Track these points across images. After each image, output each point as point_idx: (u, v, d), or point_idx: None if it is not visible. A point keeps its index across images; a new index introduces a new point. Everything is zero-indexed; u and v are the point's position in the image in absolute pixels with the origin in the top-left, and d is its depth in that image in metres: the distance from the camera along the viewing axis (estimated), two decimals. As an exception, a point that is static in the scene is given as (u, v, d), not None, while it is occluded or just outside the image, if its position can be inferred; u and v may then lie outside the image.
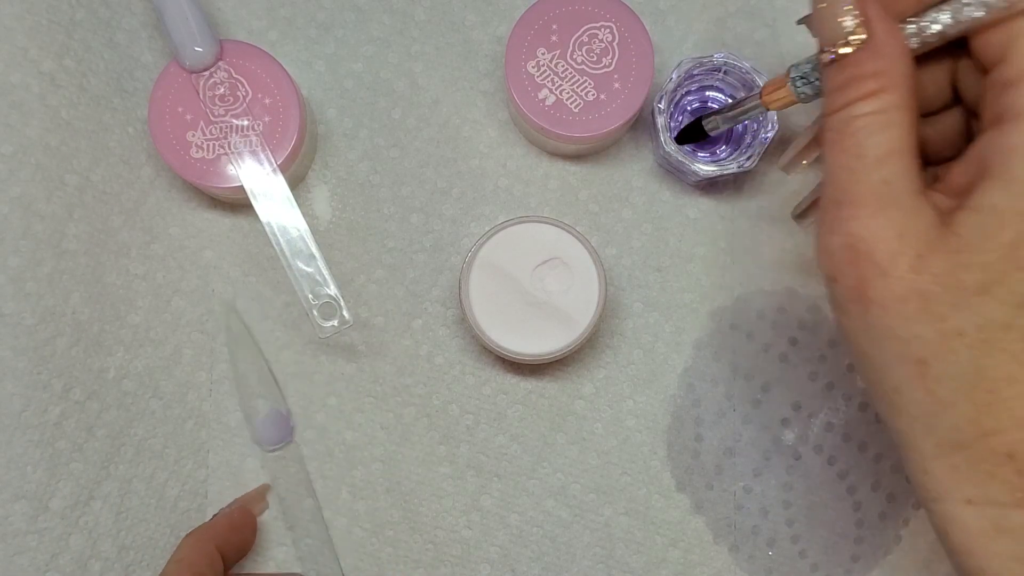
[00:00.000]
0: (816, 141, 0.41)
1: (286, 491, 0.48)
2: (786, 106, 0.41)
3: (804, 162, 0.42)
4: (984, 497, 0.32)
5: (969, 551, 0.32)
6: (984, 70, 0.34)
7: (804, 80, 0.39)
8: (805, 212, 0.44)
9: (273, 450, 0.48)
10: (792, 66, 0.39)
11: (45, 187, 0.46)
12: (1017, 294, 0.31)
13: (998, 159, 0.31)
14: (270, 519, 0.49)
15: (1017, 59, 0.32)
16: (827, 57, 0.34)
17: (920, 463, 0.33)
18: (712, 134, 0.46)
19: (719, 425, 0.49)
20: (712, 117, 0.45)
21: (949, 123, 0.38)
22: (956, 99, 0.38)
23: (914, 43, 0.35)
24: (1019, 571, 0.31)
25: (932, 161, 0.39)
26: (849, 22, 0.34)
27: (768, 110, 0.42)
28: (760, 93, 0.42)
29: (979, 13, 0.33)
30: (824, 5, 0.34)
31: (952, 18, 0.34)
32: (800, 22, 0.37)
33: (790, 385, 0.49)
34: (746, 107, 0.44)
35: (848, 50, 0.34)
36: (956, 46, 0.36)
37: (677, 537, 0.49)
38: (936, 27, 0.34)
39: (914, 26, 0.35)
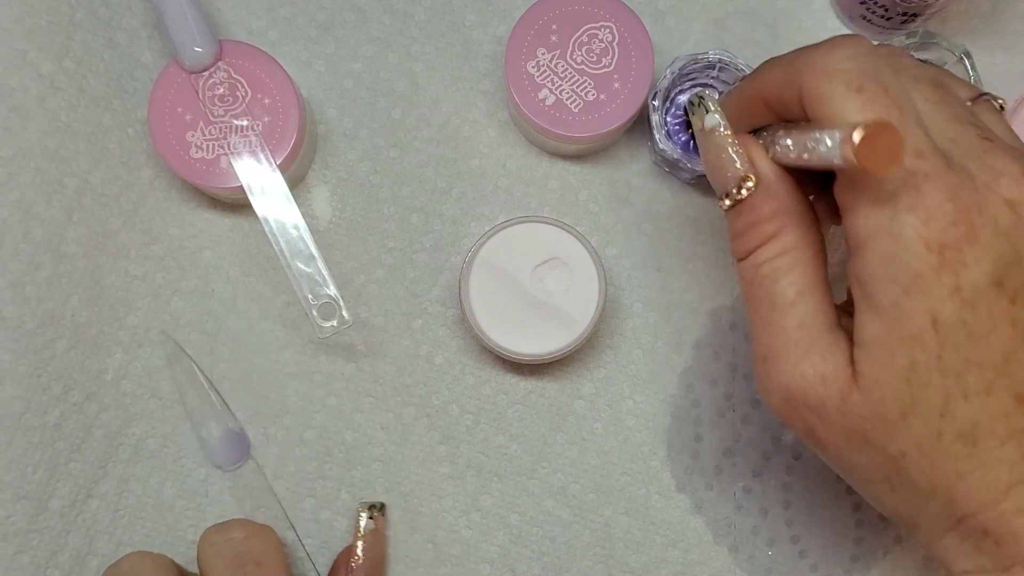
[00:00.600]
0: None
1: (251, 507, 0.48)
2: None
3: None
4: (977, 567, 0.34)
5: None
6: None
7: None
8: None
9: (234, 469, 0.48)
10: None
11: (44, 190, 0.46)
12: (936, 407, 0.32)
13: (863, 289, 0.33)
14: (268, 520, 0.49)
15: (840, 189, 0.33)
16: (727, 204, 0.36)
17: (923, 545, 0.36)
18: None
19: (719, 425, 0.49)
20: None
21: None
22: None
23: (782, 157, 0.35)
24: None
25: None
26: (739, 168, 0.35)
27: None
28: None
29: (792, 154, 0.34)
30: (711, 156, 0.36)
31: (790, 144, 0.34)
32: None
33: (790, 385, 0.49)
34: None
35: (743, 195, 0.35)
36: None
37: (677, 537, 0.49)
38: (781, 148, 0.35)
39: (764, 140, 0.35)
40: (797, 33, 0.51)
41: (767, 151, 0.35)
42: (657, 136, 0.47)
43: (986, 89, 0.47)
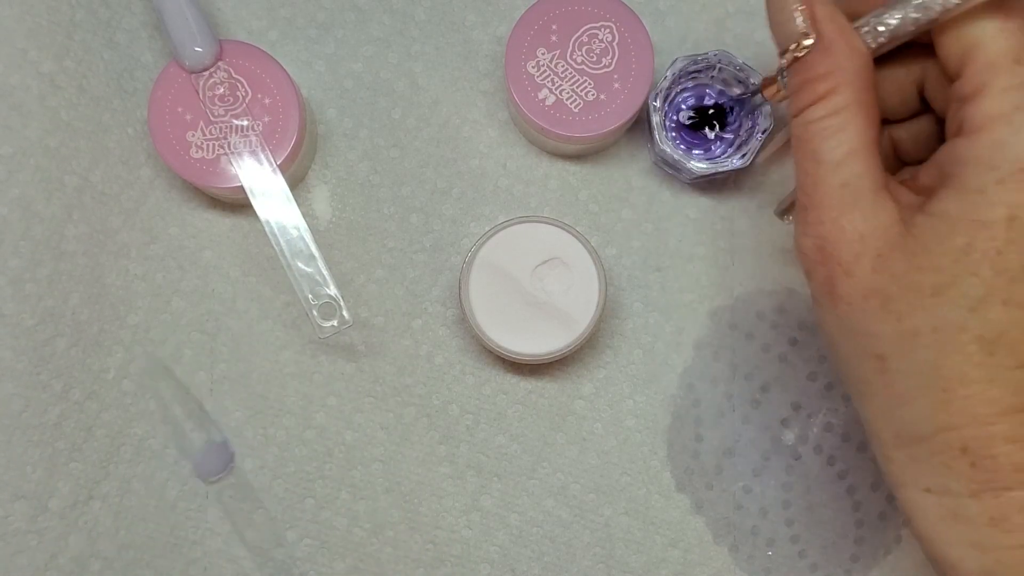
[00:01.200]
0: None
1: (237, 518, 0.48)
2: (783, 99, 0.41)
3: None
4: (941, 487, 0.33)
5: (930, 537, 0.34)
6: (950, 79, 0.35)
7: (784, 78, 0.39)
8: (788, 209, 0.44)
9: (217, 480, 0.48)
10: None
11: (44, 188, 0.46)
12: (969, 297, 0.32)
13: (955, 169, 0.33)
14: (268, 520, 0.49)
15: (972, 73, 0.33)
16: (784, 61, 0.35)
17: (883, 451, 0.35)
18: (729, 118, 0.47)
19: (719, 425, 0.49)
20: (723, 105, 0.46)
21: (922, 127, 0.39)
22: (926, 105, 0.39)
23: (871, 43, 0.35)
24: (976, 556, 0.33)
25: (908, 162, 0.40)
26: (798, 25, 0.35)
27: (769, 102, 0.42)
28: (760, 85, 0.42)
29: (919, 15, 0.34)
30: (774, 11, 0.35)
31: (899, 19, 0.35)
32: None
33: (790, 385, 0.49)
34: (754, 100, 0.44)
35: (800, 53, 0.35)
36: (923, 53, 0.37)
37: (677, 537, 0.49)
38: (885, 28, 0.35)
39: (867, 27, 0.35)
40: (797, 33, 0.51)
41: (863, 32, 0.35)
42: (657, 136, 0.47)
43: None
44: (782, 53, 0.35)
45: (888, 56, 0.36)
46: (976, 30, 0.33)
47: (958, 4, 0.33)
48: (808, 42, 0.34)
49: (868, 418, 0.35)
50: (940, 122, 0.39)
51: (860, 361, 0.34)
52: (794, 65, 0.35)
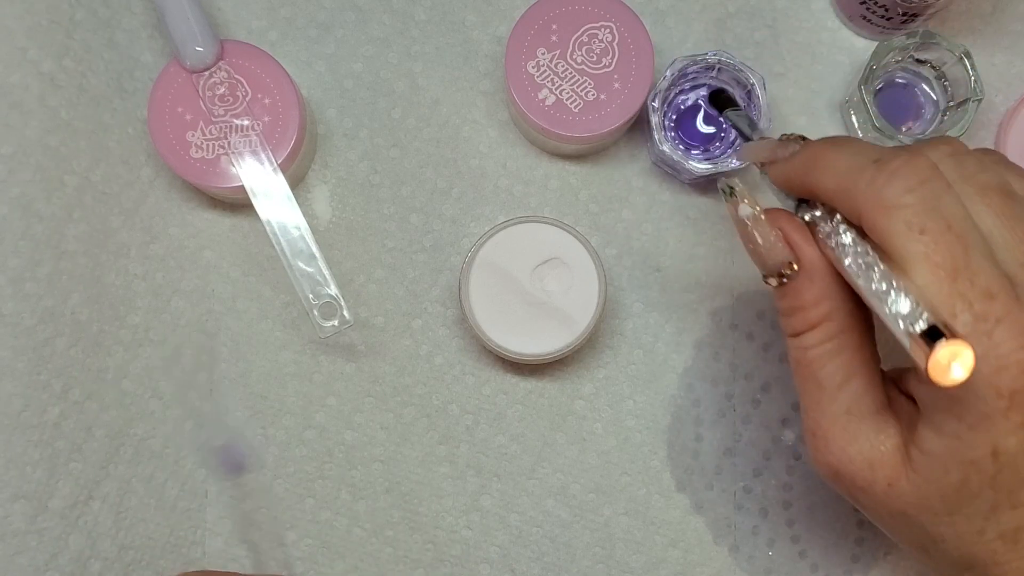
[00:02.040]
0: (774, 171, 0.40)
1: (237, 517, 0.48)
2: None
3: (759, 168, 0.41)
4: None
5: None
6: None
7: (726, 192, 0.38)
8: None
9: (237, 477, 0.47)
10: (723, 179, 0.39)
11: (44, 187, 0.46)
12: (982, 512, 0.33)
13: (928, 410, 0.33)
14: (267, 520, 0.49)
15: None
16: (771, 283, 0.36)
17: None
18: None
19: (719, 425, 0.49)
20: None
21: None
22: None
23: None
24: None
25: None
26: (778, 256, 0.35)
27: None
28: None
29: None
30: (751, 245, 0.36)
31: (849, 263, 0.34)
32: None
33: (790, 385, 0.49)
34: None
35: (785, 279, 0.35)
36: None
37: (677, 537, 0.49)
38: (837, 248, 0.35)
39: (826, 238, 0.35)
40: (797, 33, 0.51)
41: (813, 233, 0.35)
42: (657, 138, 0.47)
43: (986, 89, 0.47)
44: (767, 280, 0.36)
45: None
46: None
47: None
48: (791, 270, 0.35)
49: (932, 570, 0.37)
50: None
51: (904, 544, 0.37)
52: (782, 289, 0.36)
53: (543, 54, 0.46)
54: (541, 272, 0.46)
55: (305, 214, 0.46)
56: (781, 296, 0.36)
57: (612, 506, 0.49)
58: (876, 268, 0.32)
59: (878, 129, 0.47)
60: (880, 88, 0.50)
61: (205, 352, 0.49)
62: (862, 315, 0.35)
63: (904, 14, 0.48)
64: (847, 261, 0.34)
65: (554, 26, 0.46)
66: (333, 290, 0.45)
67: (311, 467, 0.49)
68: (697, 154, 0.49)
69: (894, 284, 0.32)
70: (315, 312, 0.45)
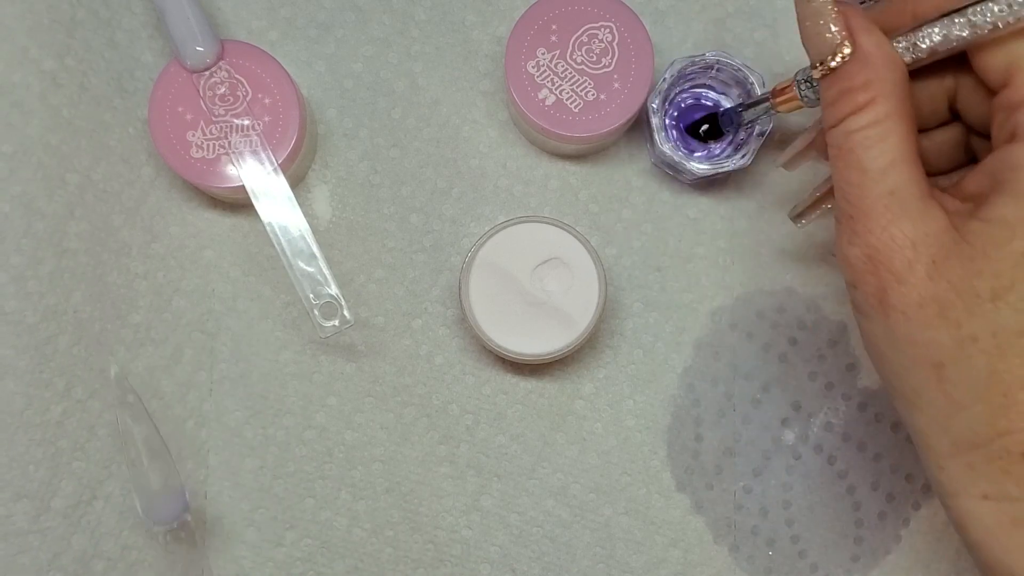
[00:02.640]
0: (815, 143, 0.41)
1: (181, 570, 0.47)
2: (793, 109, 0.41)
3: (803, 161, 0.42)
4: (1000, 493, 0.33)
5: (987, 545, 0.34)
6: (990, 91, 0.35)
7: (808, 85, 0.39)
8: (802, 213, 0.44)
9: (168, 528, 0.45)
10: (800, 70, 0.40)
11: (46, 186, 0.46)
12: None
13: (1009, 175, 0.33)
14: (267, 519, 0.49)
15: (1020, 84, 0.33)
16: (819, 72, 0.35)
17: (937, 460, 0.34)
18: (726, 131, 0.47)
19: (719, 425, 0.49)
20: (728, 114, 0.46)
21: (946, 138, 0.39)
22: (952, 115, 0.39)
23: (906, 57, 0.35)
24: None
25: (930, 173, 0.40)
26: (835, 35, 0.35)
27: (776, 112, 0.42)
28: (770, 95, 0.42)
29: (965, 32, 0.34)
30: (809, 23, 0.35)
31: (942, 36, 0.35)
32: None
33: (790, 385, 0.49)
34: (757, 109, 0.44)
35: (836, 63, 0.35)
36: (955, 65, 0.37)
37: (677, 537, 0.49)
38: (926, 44, 0.35)
39: (905, 42, 0.35)
40: (797, 33, 0.50)
41: (900, 47, 0.35)
42: (657, 139, 0.47)
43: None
44: (815, 64, 0.35)
45: (919, 69, 0.36)
46: (1018, 43, 0.33)
47: (1011, 23, 0.33)
48: (845, 52, 0.34)
49: (920, 428, 0.35)
50: (967, 132, 0.39)
51: (914, 371, 0.34)
52: (830, 76, 0.35)
53: (543, 54, 0.46)
54: (541, 272, 0.46)
55: (305, 214, 0.46)
56: (829, 83, 0.35)
57: (612, 506, 0.49)
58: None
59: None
60: (880, 88, 0.50)
61: (205, 352, 0.49)
62: (910, 112, 0.35)
63: (904, 14, 0.47)
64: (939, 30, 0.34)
65: (554, 26, 0.46)
66: (333, 290, 0.45)
67: (311, 467, 0.49)
68: (699, 155, 0.49)
69: None
70: (315, 312, 0.45)
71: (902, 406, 0.35)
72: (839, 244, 0.35)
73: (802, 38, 0.36)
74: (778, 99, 0.41)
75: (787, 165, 0.43)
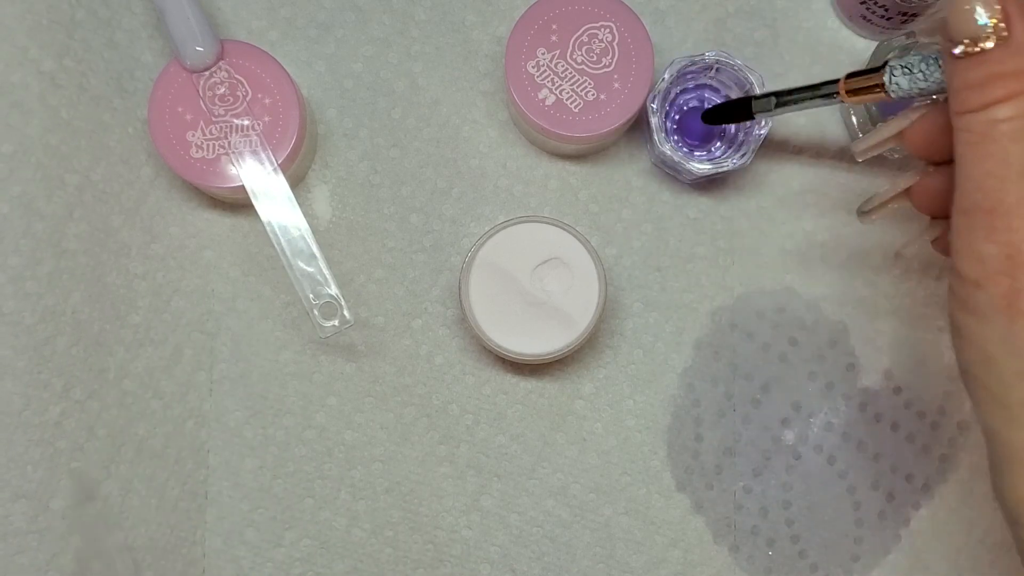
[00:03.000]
0: (901, 135, 0.40)
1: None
2: (870, 100, 0.40)
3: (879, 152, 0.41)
4: None
5: None
6: None
7: (906, 71, 0.37)
8: (873, 210, 0.43)
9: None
10: (892, 56, 0.38)
11: (45, 186, 0.46)
12: None
13: None
14: (266, 519, 0.49)
15: None
16: (957, 50, 0.33)
17: None
18: (757, 117, 0.45)
19: (719, 425, 0.49)
20: (767, 98, 0.44)
21: None
22: None
23: None
24: None
25: None
26: (988, 18, 0.33)
27: (843, 103, 0.41)
28: (839, 82, 0.40)
29: None
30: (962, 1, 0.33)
31: None
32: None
33: (790, 385, 0.49)
34: (816, 95, 0.42)
35: (988, 45, 0.33)
36: None
37: (677, 537, 0.49)
38: None
39: None
40: (797, 33, 0.51)
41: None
42: (657, 139, 0.47)
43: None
44: (960, 42, 0.33)
45: None
46: None
47: None
48: (1002, 34, 0.33)
49: (1016, 444, 0.33)
50: None
51: None
52: (975, 57, 0.33)
53: (543, 54, 0.46)
54: (541, 272, 0.46)
55: (305, 214, 0.46)
56: (974, 65, 0.33)
57: (612, 506, 0.49)
58: None
59: (878, 129, 0.47)
60: (880, 88, 0.50)
61: (205, 352, 0.49)
62: None
63: (904, 14, 0.48)
64: None
65: (554, 26, 0.46)
66: (333, 290, 0.45)
67: (311, 467, 0.49)
68: (699, 155, 0.49)
69: None
70: (315, 312, 0.45)
71: (999, 418, 0.34)
72: (970, 239, 0.33)
73: (951, 13, 0.34)
74: (855, 84, 0.40)
75: (861, 153, 0.41)
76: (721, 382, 0.50)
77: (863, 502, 0.49)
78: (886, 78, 0.38)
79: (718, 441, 0.49)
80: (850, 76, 0.40)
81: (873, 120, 0.47)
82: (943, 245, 0.41)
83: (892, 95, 0.38)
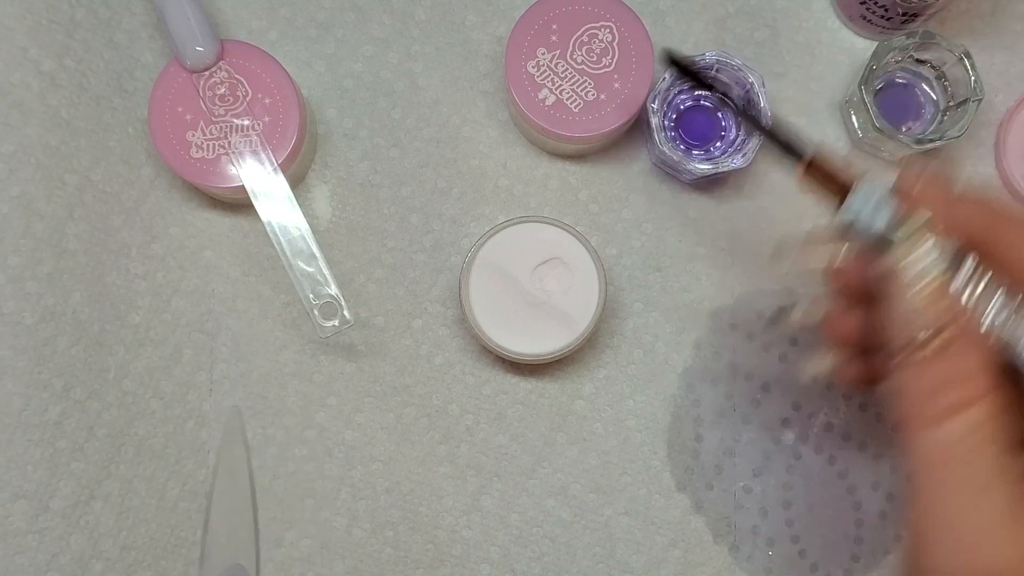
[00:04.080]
0: (828, 271, 0.37)
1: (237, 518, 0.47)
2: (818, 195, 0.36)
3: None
4: None
5: None
6: None
7: (856, 233, 0.34)
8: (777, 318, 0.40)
9: None
10: (842, 212, 0.35)
11: (45, 186, 0.46)
12: None
13: None
14: (266, 519, 0.49)
15: None
16: (907, 354, 0.31)
17: None
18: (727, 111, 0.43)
19: (719, 425, 0.49)
20: (723, 96, 0.41)
21: None
22: None
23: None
24: None
25: None
26: (945, 308, 0.31)
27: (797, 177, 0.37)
28: (803, 159, 0.36)
29: None
30: (909, 294, 0.31)
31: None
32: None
33: (790, 385, 0.49)
34: (778, 148, 0.38)
35: (939, 342, 0.30)
36: None
37: (677, 537, 0.49)
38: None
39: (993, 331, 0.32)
40: (797, 33, 0.51)
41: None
42: (657, 139, 0.47)
43: (986, 89, 0.47)
44: (905, 345, 0.31)
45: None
46: None
47: None
48: (946, 335, 0.30)
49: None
50: None
51: None
52: (930, 358, 0.31)
53: (543, 54, 0.46)
54: (541, 272, 0.46)
55: (305, 214, 0.46)
56: (928, 366, 0.31)
57: (612, 506, 0.49)
58: None
59: (878, 129, 0.47)
60: (880, 88, 0.50)
61: (205, 352, 0.49)
62: (1011, 408, 0.31)
63: (904, 14, 0.48)
64: (1000, 318, 0.31)
65: (554, 26, 0.46)
66: (333, 290, 0.45)
67: (311, 467, 0.49)
68: (698, 154, 0.49)
69: None
70: (315, 312, 0.45)
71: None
72: (933, 557, 0.31)
73: (891, 306, 0.32)
74: (810, 180, 0.36)
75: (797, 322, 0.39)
76: (721, 382, 0.50)
77: (863, 502, 0.49)
78: (841, 213, 0.35)
79: (718, 441, 0.49)
80: (814, 166, 0.36)
81: (873, 124, 0.47)
82: (846, 375, 0.39)
83: (846, 241, 0.35)
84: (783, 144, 0.37)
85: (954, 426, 0.30)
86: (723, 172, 0.47)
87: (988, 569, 0.30)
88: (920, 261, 0.31)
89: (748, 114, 0.41)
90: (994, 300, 0.32)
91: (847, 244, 0.35)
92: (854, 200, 0.34)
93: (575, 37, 0.46)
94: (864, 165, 0.32)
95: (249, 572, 0.46)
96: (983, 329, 0.31)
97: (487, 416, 0.49)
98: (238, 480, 0.47)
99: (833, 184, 0.35)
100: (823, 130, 0.50)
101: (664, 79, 0.47)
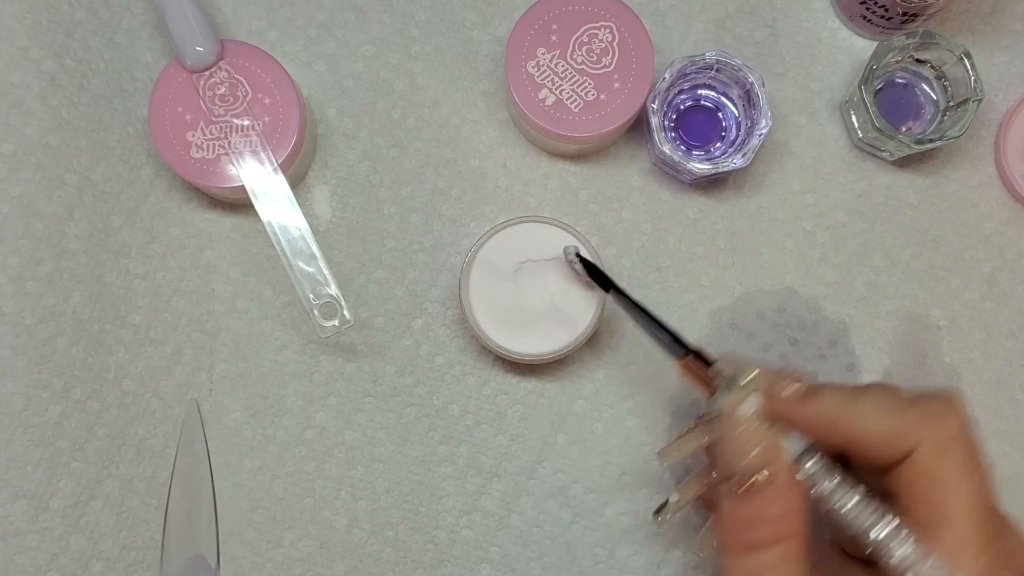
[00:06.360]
0: (706, 447, 0.40)
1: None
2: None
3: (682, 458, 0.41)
4: None
5: None
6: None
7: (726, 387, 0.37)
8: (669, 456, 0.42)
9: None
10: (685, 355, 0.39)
11: (45, 186, 0.46)
12: None
13: None
14: (266, 519, 0.49)
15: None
16: (731, 487, 0.34)
17: None
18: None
19: (719, 425, 0.49)
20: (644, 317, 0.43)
21: None
22: None
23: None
24: None
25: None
26: (758, 460, 0.34)
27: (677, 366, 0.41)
28: (683, 350, 0.40)
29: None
30: (732, 437, 0.35)
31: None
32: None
33: (790, 385, 0.49)
34: (660, 335, 0.42)
35: (754, 485, 0.34)
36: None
37: (677, 537, 0.49)
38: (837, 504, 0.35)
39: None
40: (797, 33, 0.51)
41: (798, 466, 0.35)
42: (657, 139, 0.47)
43: (986, 89, 0.47)
44: (727, 478, 0.35)
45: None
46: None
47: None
48: (766, 474, 0.34)
49: None
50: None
51: None
52: (745, 496, 0.34)
53: (543, 54, 0.46)
54: (541, 272, 0.46)
55: (305, 214, 0.46)
56: (744, 501, 0.34)
57: (612, 506, 0.49)
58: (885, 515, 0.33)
59: (878, 129, 0.47)
60: (880, 88, 0.50)
61: (205, 352, 0.49)
62: (810, 546, 0.35)
63: (904, 14, 0.48)
64: (849, 512, 0.34)
65: (554, 26, 0.46)
66: (333, 290, 0.45)
67: (311, 467, 0.49)
68: (698, 154, 0.49)
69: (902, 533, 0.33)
70: (315, 312, 0.45)
71: None
72: None
73: (719, 445, 0.36)
74: (689, 369, 0.40)
75: (663, 456, 0.41)
76: (721, 382, 0.49)
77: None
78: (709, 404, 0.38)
79: (718, 441, 0.49)
80: (695, 357, 0.40)
81: (873, 124, 0.47)
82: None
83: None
84: (668, 337, 0.41)
85: (765, 555, 0.34)
86: (723, 172, 0.47)
87: None
88: (747, 406, 0.35)
89: (640, 307, 0.43)
90: (814, 459, 0.35)
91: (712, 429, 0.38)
92: (718, 398, 0.37)
93: (575, 37, 0.46)
94: (730, 364, 0.37)
95: (210, 562, 0.46)
96: (800, 477, 0.35)
97: (487, 416, 0.49)
98: (197, 472, 0.47)
99: (705, 383, 0.39)
100: (823, 130, 0.50)
101: (664, 79, 0.47)
